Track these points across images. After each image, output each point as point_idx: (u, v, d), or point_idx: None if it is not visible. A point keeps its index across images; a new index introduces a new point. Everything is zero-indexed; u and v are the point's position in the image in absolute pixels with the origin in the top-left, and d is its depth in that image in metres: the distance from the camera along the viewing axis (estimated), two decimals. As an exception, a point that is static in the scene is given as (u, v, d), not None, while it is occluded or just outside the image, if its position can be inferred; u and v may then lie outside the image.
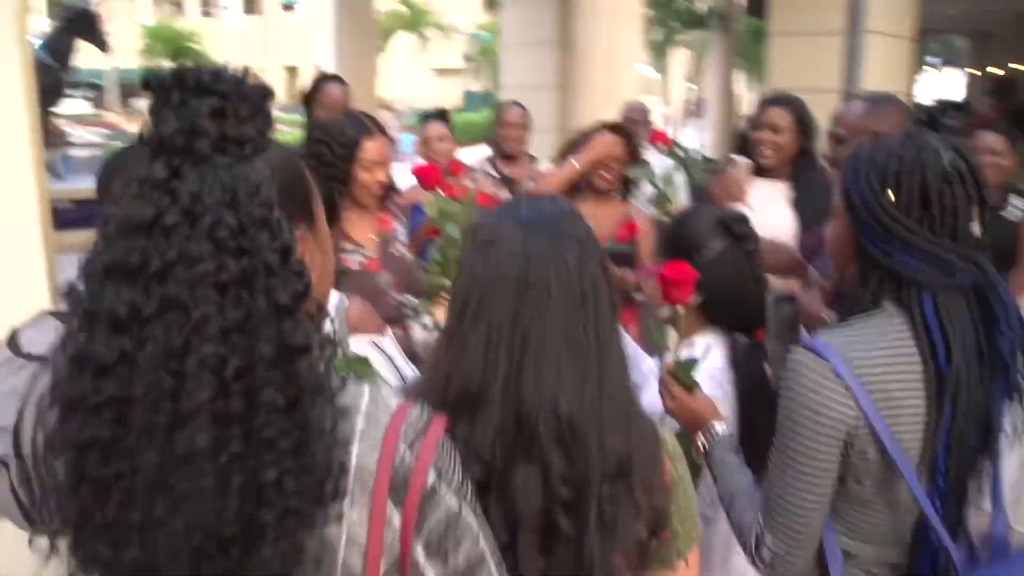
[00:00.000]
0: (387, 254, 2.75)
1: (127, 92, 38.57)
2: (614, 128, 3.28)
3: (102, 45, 11.58)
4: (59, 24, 10.98)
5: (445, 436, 0.99)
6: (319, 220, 1.07)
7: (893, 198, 1.43)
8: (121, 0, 47.26)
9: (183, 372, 0.84)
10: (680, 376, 1.70)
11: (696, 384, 1.70)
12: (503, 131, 4.56)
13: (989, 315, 1.42)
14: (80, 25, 11.17)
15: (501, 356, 1.16)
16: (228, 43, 45.42)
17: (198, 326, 0.84)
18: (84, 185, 11.09)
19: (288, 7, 44.94)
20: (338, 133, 2.66)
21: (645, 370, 1.94)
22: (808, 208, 3.02)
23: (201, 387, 0.83)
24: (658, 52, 22.43)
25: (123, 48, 30.99)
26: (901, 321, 1.43)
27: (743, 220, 1.97)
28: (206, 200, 0.86)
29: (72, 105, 42.17)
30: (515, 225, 1.22)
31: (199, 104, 0.87)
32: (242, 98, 0.90)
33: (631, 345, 2.25)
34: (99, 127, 33.72)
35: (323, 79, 3.90)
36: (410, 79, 40.02)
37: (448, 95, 39.33)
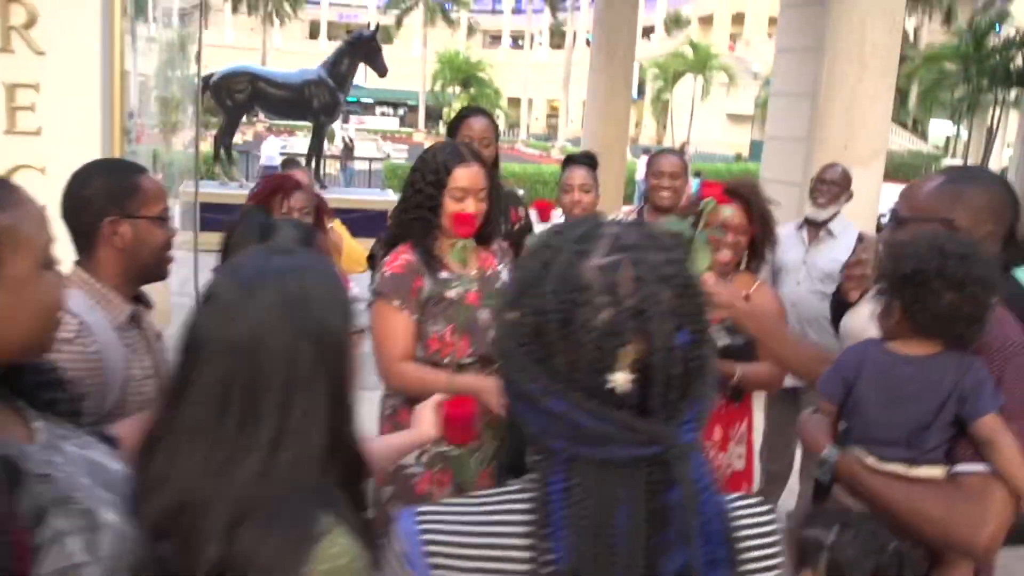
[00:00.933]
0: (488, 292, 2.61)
1: (433, 114, 41.38)
2: (732, 193, 2.79)
3: (380, 69, 12.20)
4: (341, 47, 11.70)
5: None
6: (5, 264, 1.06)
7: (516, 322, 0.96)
8: (440, 29, 50.99)
9: None
10: None
11: None
12: (653, 180, 3.91)
13: (667, 513, 0.91)
14: (361, 49, 11.83)
15: (163, 415, 1.14)
16: (530, 75, 47.46)
17: None
18: (360, 196, 11.95)
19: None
20: (431, 160, 2.56)
21: None
22: None
23: None
24: (955, 110, 20.27)
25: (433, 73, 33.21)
26: (530, 497, 0.97)
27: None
28: None
29: (383, 122, 46.48)
30: (228, 280, 1.16)
31: None
32: None
33: None
34: (402, 143, 36.99)
35: (467, 111, 3.65)
36: (703, 123, 39.47)
37: (740, 142, 38.40)
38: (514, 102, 52.35)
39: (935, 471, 1.75)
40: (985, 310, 1.72)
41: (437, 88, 31.98)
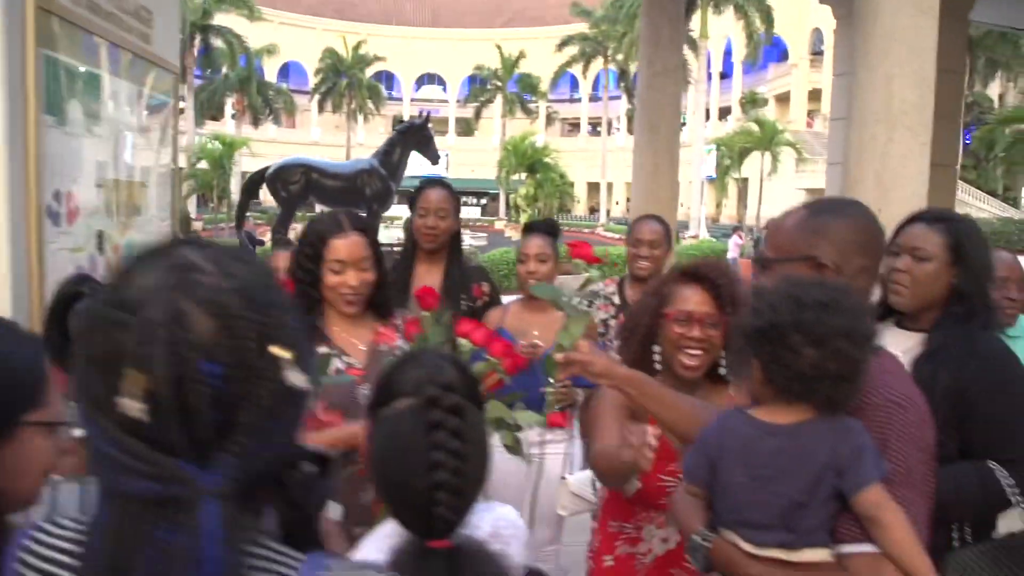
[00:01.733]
0: (377, 368, 2.36)
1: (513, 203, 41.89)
2: (693, 276, 2.28)
3: (432, 157, 12.36)
4: (391, 136, 11.92)
5: None
6: None
7: None
8: (519, 119, 52.03)
9: None
10: None
11: None
12: (633, 249, 3.80)
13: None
14: (412, 138, 12.02)
15: None
16: (608, 160, 47.83)
17: None
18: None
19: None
20: (309, 233, 2.50)
21: None
22: (943, 376, 2.05)
23: None
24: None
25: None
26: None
27: (451, 386, 1.32)
28: None
29: (465, 211, 47.33)
30: None
31: None
32: None
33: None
34: (482, 231, 37.59)
35: (425, 183, 3.57)
36: (779, 199, 38.96)
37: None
38: (594, 187, 52.69)
39: (820, 554, 1.52)
40: (856, 367, 1.49)
41: (503, 176, 32.43)
